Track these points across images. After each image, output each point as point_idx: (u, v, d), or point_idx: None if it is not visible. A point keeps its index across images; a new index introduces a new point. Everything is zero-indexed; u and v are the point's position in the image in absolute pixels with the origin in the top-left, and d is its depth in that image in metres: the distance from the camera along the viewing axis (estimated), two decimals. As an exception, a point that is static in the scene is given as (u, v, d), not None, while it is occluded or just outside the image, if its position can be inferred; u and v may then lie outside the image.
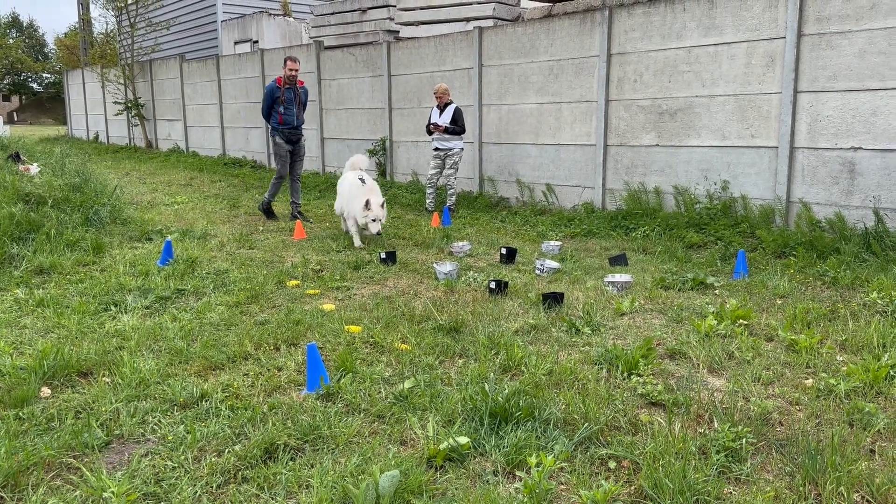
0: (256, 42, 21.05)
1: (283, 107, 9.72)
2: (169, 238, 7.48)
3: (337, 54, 14.26)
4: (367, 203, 7.74)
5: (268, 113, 9.83)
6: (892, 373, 3.95)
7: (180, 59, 20.25)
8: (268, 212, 10.11)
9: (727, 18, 8.27)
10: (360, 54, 13.64)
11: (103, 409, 3.62)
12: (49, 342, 4.51)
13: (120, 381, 3.96)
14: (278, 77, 9.86)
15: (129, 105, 22.42)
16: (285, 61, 9.76)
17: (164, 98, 21.42)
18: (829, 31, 7.47)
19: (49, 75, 66.96)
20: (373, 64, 13.37)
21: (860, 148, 7.41)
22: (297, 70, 9.76)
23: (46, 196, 8.21)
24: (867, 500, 2.77)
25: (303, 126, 10.08)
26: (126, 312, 5.32)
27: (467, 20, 12.38)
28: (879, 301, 5.26)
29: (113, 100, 23.37)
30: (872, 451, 3.16)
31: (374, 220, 7.77)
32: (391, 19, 13.63)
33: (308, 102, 10.62)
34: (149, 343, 4.62)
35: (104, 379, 4.03)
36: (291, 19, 21.71)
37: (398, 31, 13.70)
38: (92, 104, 26.83)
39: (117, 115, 23.40)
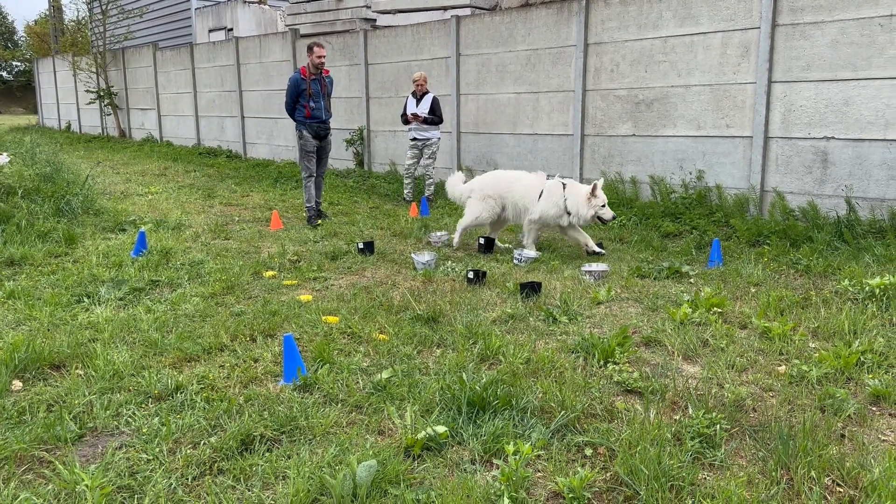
0: (231, 30, 20.79)
1: (311, 100, 8.76)
2: (143, 229, 7.39)
3: (313, 43, 14.12)
4: (595, 188, 6.80)
5: (292, 107, 8.87)
6: (862, 359, 4.02)
7: (153, 48, 19.95)
8: (316, 216, 9.00)
9: (703, 8, 8.31)
10: (337, 42, 13.54)
11: (76, 401, 3.57)
12: (20, 334, 4.44)
13: (93, 373, 3.91)
14: (302, 67, 8.91)
15: (102, 94, 22.07)
16: (311, 48, 8.74)
17: (137, 87, 21.11)
18: (803, 22, 7.54)
19: (19, 63, 65.54)
20: (350, 52, 13.27)
21: (833, 137, 7.50)
22: (325, 57, 8.86)
23: (16, 186, 8.07)
24: (838, 484, 2.82)
25: (331, 119, 9.17)
26: (99, 304, 5.25)
27: (444, 9, 12.33)
28: (851, 288, 5.34)
29: (85, 88, 22.98)
30: (843, 436, 3.22)
31: (604, 205, 6.87)
32: (368, 7, 13.53)
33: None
34: (122, 335, 4.56)
35: (77, 371, 3.97)
36: (266, 7, 21.47)
37: (375, 20, 13.61)
38: (63, 93, 26.37)
39: (89, 104, 23.03)
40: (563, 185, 6.96)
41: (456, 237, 7.58)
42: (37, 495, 2.77)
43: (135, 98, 21.38)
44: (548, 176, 7.19)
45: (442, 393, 3.58)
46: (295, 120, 8.94)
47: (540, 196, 7.02)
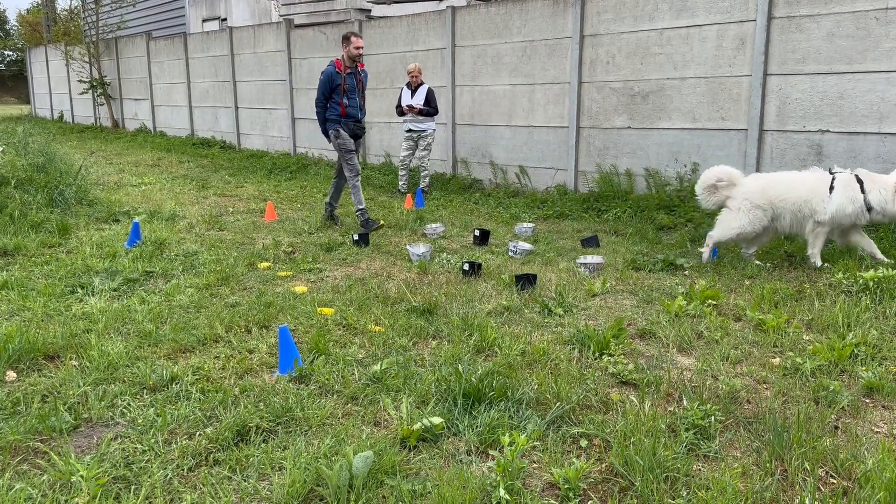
0: (225, 20, 20.68)
1: (346, 96, 7.83)
2: (136, 219, 7.35)
3: (308, 33, 14.06)
4: None
5: (324, 105, 7.90)
6: (856, 351, 4.04)
7: (147, 37, 19.82)
8: (367, 222, 8.01)
9: (699, 0, 8.30)
10: (332, 33, 13.47)
11: (71, 392, 3.56)
12: (14, 325, 4.42)
13: (88, 364, 3.90)
14: (336, 59, 7.93)
15: (95, 84, 21.92)
16: (349, 38, 7.76)
17: (130, 77, 20.98)
18: (799, 15, 7.54)
19: (11, 53, 65.04)
20: (344, 43, 13.20)
21: (827, 131, 7.51)
22: (363, 48, 7.98)
23: (9, 176, 8.03)
24: (831, 475, 2.84)
25: (365, 118, 8.28)
26: (93, 295, 5.23)
27: (440, -1, 12.28)
28: (844, 281, 5.36)
29: (78, 78, 22.83)
30: (836, 428, 3.24)
31: None
32: (363, -2, 13.49)
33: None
34: (117, 326, 4.55)
35: (71, 362, 3.96)
36: (261, -3, 21.36)
37: (370, 10, 13.56)
38: (56, 83, 26.20)
39: (82, 93, 22.87)
40: (857, 177, 5.99)
41: (706, 252, 6.42)
42: (32, 486, 2.76)
43: (128, 88, 21.24)
44: (830, 170, 6.17)
45: (437, 384, 3.58)
46: (327, 119, 7.95)
47: (830, 192, 5.99)
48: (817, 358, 3.95)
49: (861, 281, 5.20)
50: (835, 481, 2.80)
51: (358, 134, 8.14)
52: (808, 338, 4.39)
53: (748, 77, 8.00)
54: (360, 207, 8.05)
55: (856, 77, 7.24)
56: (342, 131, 7.94)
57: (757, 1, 7.79)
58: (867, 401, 3.54)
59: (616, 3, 9.06)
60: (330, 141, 8.09)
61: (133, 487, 2.78)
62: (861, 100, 7.24)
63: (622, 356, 4.02)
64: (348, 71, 7.85)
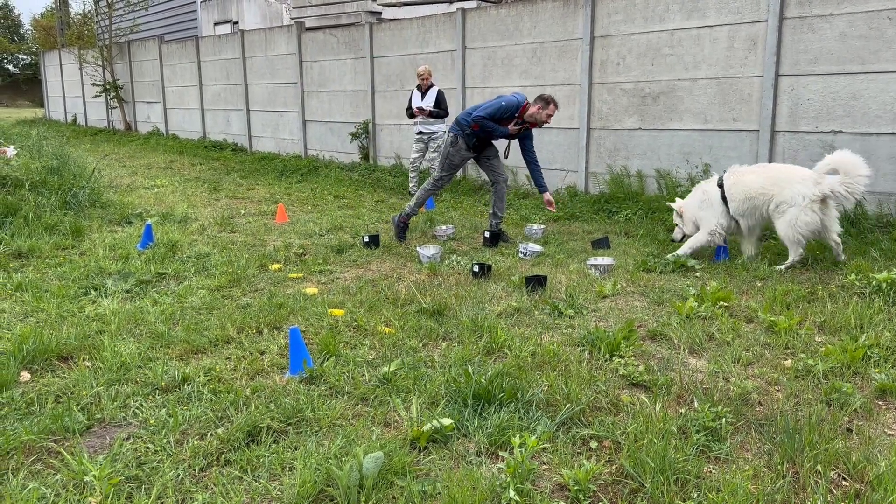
0: (236, 23, 20.80)
1: (500, 124, 7.20)
2: (149, 221, 7.41)
3: (318, 36, 14.12)
4: None
5: (491, 122, 7.16)
6: (868, 353, 4.01)
7: (159, 41, 19.96)
8: (403, 227, 7.53)
9: (710, 1, 8.27)
10: (342, 36, 13.52)
11: (84, 393, 3.59)
12: (28, 326, 4.46)
13: (101, 365, 3.93)
14: (527, 102, 7.20)
15: (108, 87, 22.09)
16: (549, 103, 7.14)
17: (142, 80, 21.12)
18: (811, 15, 7.50)
19: (25, 57, 65.66)
20: (355, 46, 13.25)
21: (840, 131, 7.46)
22: (550, 122, 7.41)
23: (23, 179, 8.09)
24: (843, 478, 2.82)
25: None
26: (106, 296, 5.27)
27: (450, 1, 12.29)
28: (857, 283, 5.33)
29: (91, 81, 23.02)
30: (849, 430, 3.22)
31: None
32: (374, 0, 13.51)
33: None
34: (129, 327, 4.58)
35: (84, 363, 3.99)
36: (272, 0, 21.45)
37: (380, 13, 13.60)
38: (69, 86, 26.42)
39: (95, 97, 23.06)
40: None
41: None
42: (45, 485, 2.79)
43: (140, 91, 21.39)
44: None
45: (447, 385, 3.59)
46: (459, 123, 7.36)
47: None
48: (829, 360, 3.93)
49: (874, 282, 5.17)
50: (847, 484, 2.78)
51: (479, 148, 7.45)
52: (820, 339, 4.36)
53: (759, 78, 7.96)
54: (413, 211, 7.55)
55: (868, 77, 7.19)
56: (462, 142, 7.33)
57: (768, 1, 7.76)
58: (880, 403, 3.52)
59: (627, 5, 9.04)
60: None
61: (145, 487, 2.80)
62: (874, 100, 7.19)
63: (633, 358, 4.01)
64: (521, 122, 7.25)
